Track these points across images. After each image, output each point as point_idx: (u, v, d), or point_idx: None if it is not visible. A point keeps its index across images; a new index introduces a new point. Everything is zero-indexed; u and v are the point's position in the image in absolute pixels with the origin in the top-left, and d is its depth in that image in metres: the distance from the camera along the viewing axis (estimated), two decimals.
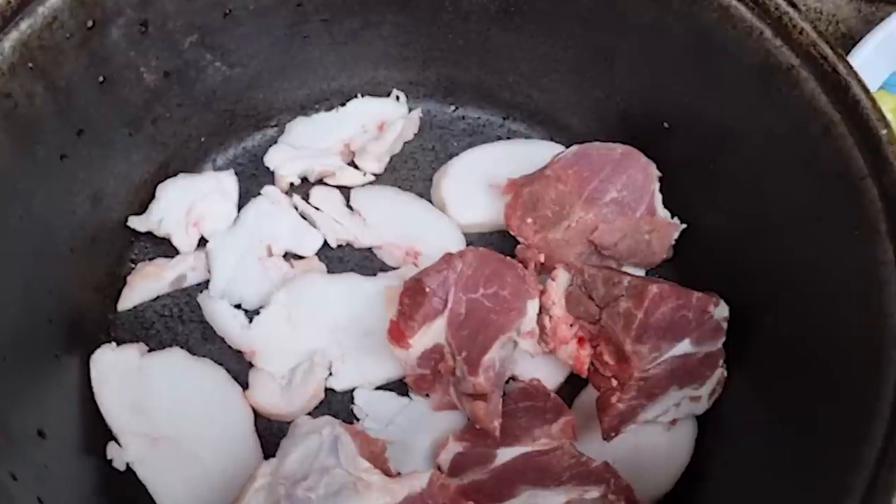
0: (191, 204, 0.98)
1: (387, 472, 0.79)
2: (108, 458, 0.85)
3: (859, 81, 0.77)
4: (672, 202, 0.98)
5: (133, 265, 0.98)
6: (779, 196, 0.85)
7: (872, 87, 0.99)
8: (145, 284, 0.96)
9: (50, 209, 0.83)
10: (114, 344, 0.91)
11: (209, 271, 0.97)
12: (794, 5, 0.81)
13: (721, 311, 0.88)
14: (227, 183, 1.00)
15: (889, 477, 0.62)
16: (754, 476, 0.81)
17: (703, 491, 0.88)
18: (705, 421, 0.91)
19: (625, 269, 0.98)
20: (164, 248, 0.98)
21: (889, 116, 0.76)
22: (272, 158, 1.02)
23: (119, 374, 0.88)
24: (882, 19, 1.15)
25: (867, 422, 0.66)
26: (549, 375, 0.93)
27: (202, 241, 0.99)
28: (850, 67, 0.77)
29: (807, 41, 0.79)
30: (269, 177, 1.03)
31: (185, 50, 0.92)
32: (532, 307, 0.88)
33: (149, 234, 0.97)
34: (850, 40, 1.21)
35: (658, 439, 0.90)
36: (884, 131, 0.74)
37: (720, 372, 0.90)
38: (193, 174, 1.01)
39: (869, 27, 1.17)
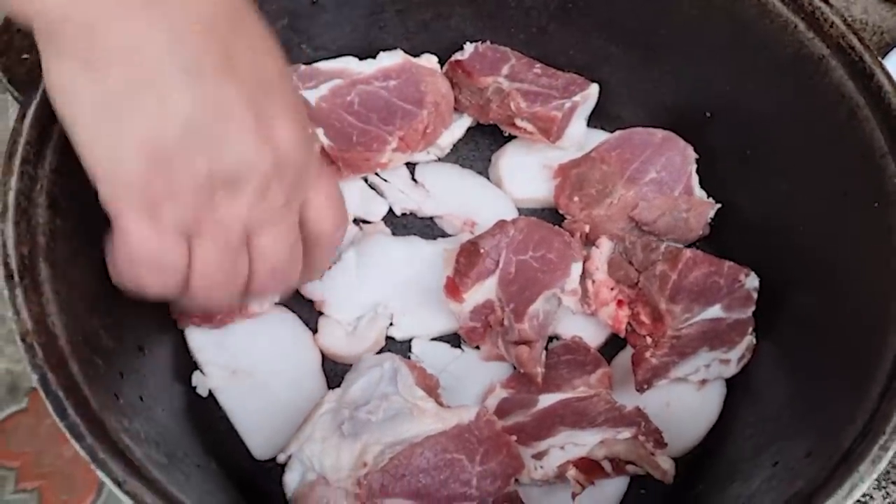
0: None
1: (439, 404, 0.88)
2: (193, 384, 0.95)
3: (883, 69, 0.84)
4: (709, 184, 1.06)
5: None
6: (808, 175, 0.92)
7: None
8: None
9: None
10: None
11: None
12: (825, 0, 0.89)
13: (752, 281, 0.95)
14: None
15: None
16: (775, 432, 0.88)
17: (728, 447, 0.94)
18: (734, 384, 0.98)
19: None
20: None
21: None
22: None
23: None
24: None
25: (875, 366, 0.74)
26: (591, 336, 1.01)
27: None
28: (876, 57, 0.85)
29: (837, 33, 0.87)
30: None
31: (276, 31, 1.02)
32: (576, 269, 0.96)
33: None
34: (893, 50, 1.28)
35: (688, 398, 0.96)
36: None
37: (749, 339, 0.96)
38: None
39: None
